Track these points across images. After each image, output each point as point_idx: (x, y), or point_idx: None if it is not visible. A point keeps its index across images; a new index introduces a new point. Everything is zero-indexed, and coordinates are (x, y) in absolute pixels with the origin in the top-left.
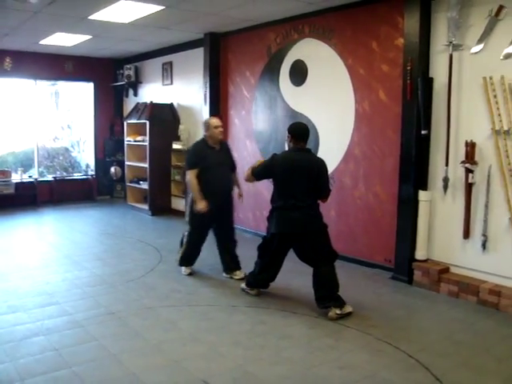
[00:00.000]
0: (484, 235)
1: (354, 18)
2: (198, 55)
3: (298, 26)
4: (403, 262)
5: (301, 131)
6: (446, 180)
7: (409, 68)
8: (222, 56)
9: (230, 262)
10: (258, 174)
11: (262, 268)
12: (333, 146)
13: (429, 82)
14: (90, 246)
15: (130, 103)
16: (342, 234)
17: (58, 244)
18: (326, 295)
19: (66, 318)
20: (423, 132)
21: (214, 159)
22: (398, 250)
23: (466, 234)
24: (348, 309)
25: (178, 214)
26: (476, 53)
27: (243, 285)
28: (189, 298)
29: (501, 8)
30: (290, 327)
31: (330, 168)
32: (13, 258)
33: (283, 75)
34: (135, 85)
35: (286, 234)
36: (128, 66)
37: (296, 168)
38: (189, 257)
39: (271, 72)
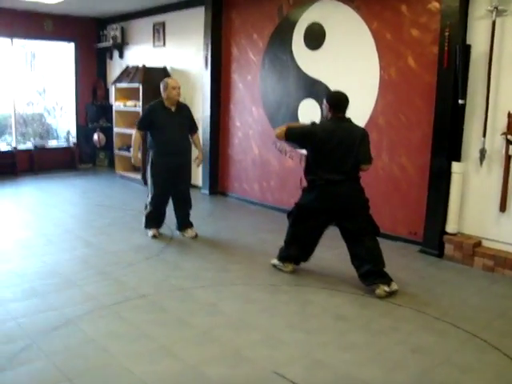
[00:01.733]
0: None
1: None
2: (196, 15)
3: None
4: (433, 236)
5: (341, 101)
6: (482, 151)
7: (447, 34)
8: (225, 16)
9: (183, 220)
10: (294, 135)
11: (293, 238)
12: (353, 115)
13: (467, 50)
14: (90, 220)
15: (114, 66)
16: None
17: (53, 217)
18: (373, 271)
19: (91, 302)
20: (460, 101)
21: (168, 120)
22: (427, 223)
23: (503, 206)
24: (395, 286)
25: None
26: None
27: (275, 260)
28: (220, 276)
29: None
30: (341, 307)
31: None
32: (8, 235)
33: (297, 38)
34: (121, 46)
35: (327, 209)
36: (114, 26)
37: (339, 139)
38: (153, 218)
39: (283, 34)
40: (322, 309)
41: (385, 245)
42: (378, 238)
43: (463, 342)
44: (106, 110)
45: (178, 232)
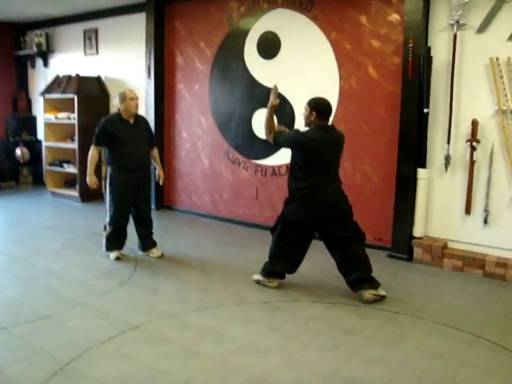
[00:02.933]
0: (486, 210)
1: None
2: (134, 22)
3: None
4: (402, 240)
5: (328, 109)
6: (447, 158)
7: (411, 45)
8: (168, 24)
9: (147, 240)
10: (283, 140)
11: (279, 253)
12: None
13: (431, 60)
14: (39, 244)
15: (38, 75)
16: None
17: None
18: (362, 278)
19: (83, 340)
20: (425, 110)
21: (127, 133)
22: (395, 228)
23: (469, 209)
24: (382, 291)
25: None
26: (481, 33)
27: (258, 276)
28: (208, 297)
29: None
30: (343, 320)
31: None
32: None
33: (249, 47)
34: (45, 54)
35: (314, 218)
36: (38, 33)
37: (326, 148)
38: (115, 239)
39: (234, 43)
40: (326, 324)
41: None
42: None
43: (471, 343)
44: (29, 122)
45: (140, 252)
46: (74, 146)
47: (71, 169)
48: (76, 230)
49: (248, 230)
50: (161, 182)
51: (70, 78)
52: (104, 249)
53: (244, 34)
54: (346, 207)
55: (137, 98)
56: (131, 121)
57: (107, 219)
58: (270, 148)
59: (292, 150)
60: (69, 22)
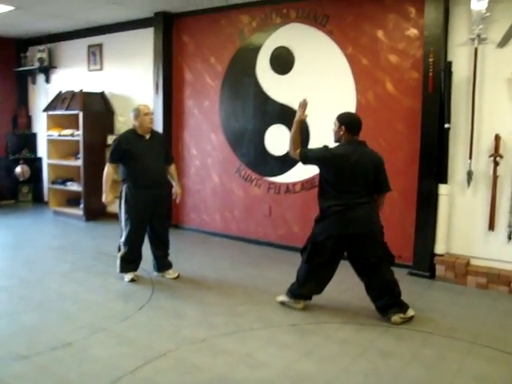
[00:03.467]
0: (510, 226)
1: (355, 5)
2: (141, 37)
3: (282, 10)
4: (424, 257)
5: (357, 124)
6: (469, 173)
7: (431, 60)
8: (176, 39)
9: (163, 261)
10: (310, 156)
11: (308, 275)
12: (327, 141)
13: (451, 75)
14: (48, 265)
15: (39, 91)
16: None
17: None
18: (390, 303)
19: (110, 370)
20: (446, 125)
21: (143, 148)
22: (416, 246)
23: (492, 225)
24: (411, 312)
25: (115, 217)
26: (502, 47)
27: (284, 298)
28: (234, 321)
29: None
30: (378, 342)
31: None
32: None
33: (262, 63)
34: (47, 70)
35: (345, 237)
36: (41, 48)
37: (355, 163)
38: (130, 260)
39: (245, 59)
40: (361, 347)
41: None
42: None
43: None
44: (29, 139)
45: (155, 273)
46: (79, 163)
47: (75, 187)
48: (84, 250)
49: (261, 249)
50: (178, 200)
51: (73, 94)
52: (118, 270)
53: (256, 48)
54: (378, 227)
55: (152, 113)
56: (147, 136)
57: (122, 239)
58: (283, 165)
59: (320, 167)
60: (72, 37)
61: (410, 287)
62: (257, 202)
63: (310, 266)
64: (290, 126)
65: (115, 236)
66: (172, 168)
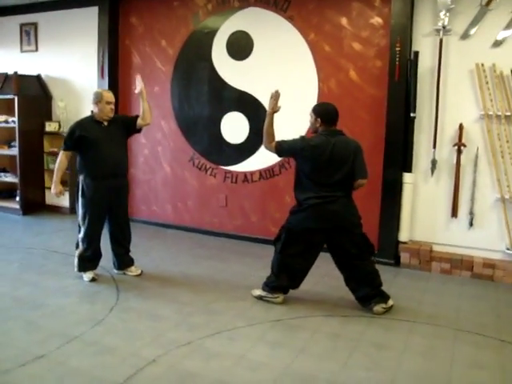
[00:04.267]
0: (471, 213)
1: None
2: (81, 16)
3: None
4: (389, 245)
5: (333, 114)
6: (433, 162)
7: (398, 49)
8: (123, 20)
9: (124, 257)
10: (285, 149)
11: (282, 265)
12: (288, 128)
13: (417, 65)
14: None
15: None
16: None
17: None
18: (371, 293)
19: None
20: (412, 114)
21: (101, 135)
22: (381, 234)
23: (455, 212)
24: (391, 302)
25: (56, 210)
26: (465, 39)
27: (259, 292)
28: (214, 320)
29: None
30: (367, 334)
31: None
32: None
33: (218, 47)
34: None
35: (323, 229)
36: None
37: (331, 153)
38: (90, 258)
39: (200, 42)
40: (353, 340)
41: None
42: None
43: (499, 349)
44: None
45: (115, 271)
46: (14, 152)
47: (8, 178)
48: (28, 247)
49: (218, 241)
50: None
51: (6, 76)
52: (76, 269)
53: (212, 32)
54: (356, 219)
55: (113, 102)
56: (105, 123)
57: (80, 235)
58: (241, 153)
59: (296, 158)
60: (1, 13)
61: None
62: (212, 191)
63: (283, 256)
64: (248, 114)
65: (60, 231)
66: (141, 116)
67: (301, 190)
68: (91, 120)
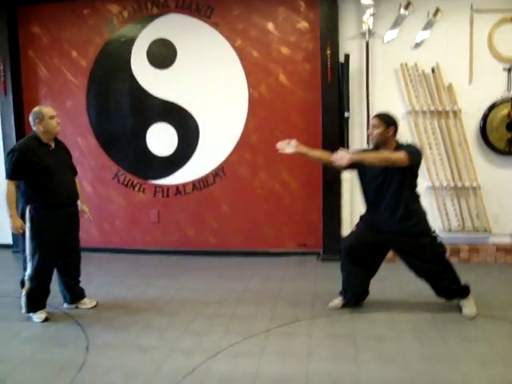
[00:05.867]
0: None
1: None
2: None
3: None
4: (333, 242)
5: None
6: None
7: (329, 52)
8: (23, 31)
9: (76, 289)
10: (417, 156)
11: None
12: (219, 137)
13: (348, 67)
14: None
15: None
16: (242, 228)
17: None
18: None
19: None
20: (346, 114)
21: (51, 161)
22: (325, 231)
23: None
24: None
25: None
26: (388, 41)
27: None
28: (203, 341)
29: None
30: (358, 328)
31: (219, 160)
32: None
33: (138, 56)
34: None
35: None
36: None
37: None
38: (40, 296)
39: (117, 52)
40: (350, 337)
41: (282, 261)
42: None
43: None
44: None
45: (65, 305)
46: None
47: None
48: None
49: (155, 259)
50: (91, 217)
51: None
52: (24, 310)
53: (130, 41)
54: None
55: (57, 115)
56: (52, 145)
57: (28, 272)
58: (171, 166)
59: (414, 169)
60: None
61: (334, 272)
62: (142, 208)
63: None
64: (175, 124)
65: (7, 269)
66: (76, 181)
67: (417, 198)
68: (37, 143)
